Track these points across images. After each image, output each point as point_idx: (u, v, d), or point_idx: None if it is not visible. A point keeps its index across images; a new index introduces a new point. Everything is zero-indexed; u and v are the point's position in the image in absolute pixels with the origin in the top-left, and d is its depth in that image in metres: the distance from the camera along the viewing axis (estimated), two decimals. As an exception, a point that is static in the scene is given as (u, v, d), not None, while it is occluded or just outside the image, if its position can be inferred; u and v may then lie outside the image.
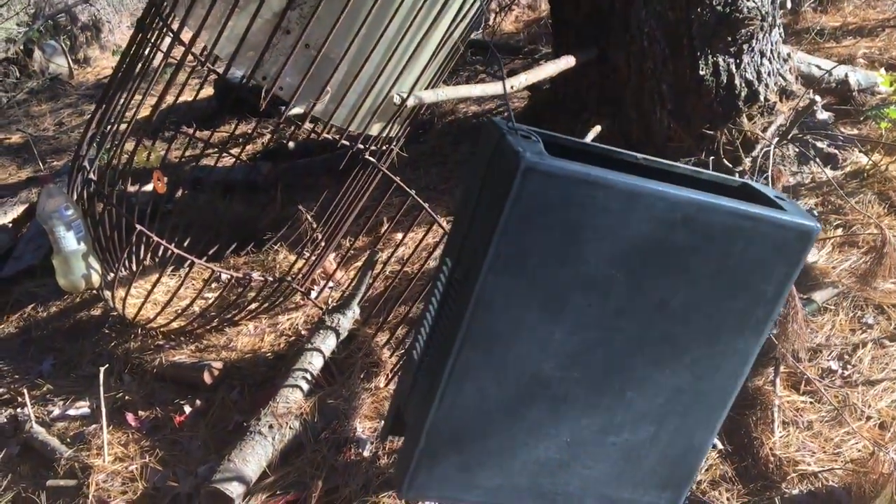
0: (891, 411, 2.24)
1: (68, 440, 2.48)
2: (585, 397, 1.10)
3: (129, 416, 2.53)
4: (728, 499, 2.05)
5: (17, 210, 3.95)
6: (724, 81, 3.21)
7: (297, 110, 3.25)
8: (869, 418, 2.24)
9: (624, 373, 1.09)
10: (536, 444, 1.13)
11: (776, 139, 2.79)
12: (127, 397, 2.62)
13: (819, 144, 3.32)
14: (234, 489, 2.14)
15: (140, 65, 2.54)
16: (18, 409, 2.62)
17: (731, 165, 2.99)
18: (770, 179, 2.44)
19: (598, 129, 3.27)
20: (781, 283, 1.06)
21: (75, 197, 2.71)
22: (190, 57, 2.37)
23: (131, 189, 3.67)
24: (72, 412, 2.61)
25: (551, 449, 1.13)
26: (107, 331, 2.95)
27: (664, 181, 0.99)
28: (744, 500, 2.05)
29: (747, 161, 2.90)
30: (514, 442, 1.12)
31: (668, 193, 0.98)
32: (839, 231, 2.96)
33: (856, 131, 3.63)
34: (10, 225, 3.87)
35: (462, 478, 1.13)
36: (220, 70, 2.41)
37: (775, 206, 1.07)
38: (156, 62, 2.54)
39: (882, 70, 4.09)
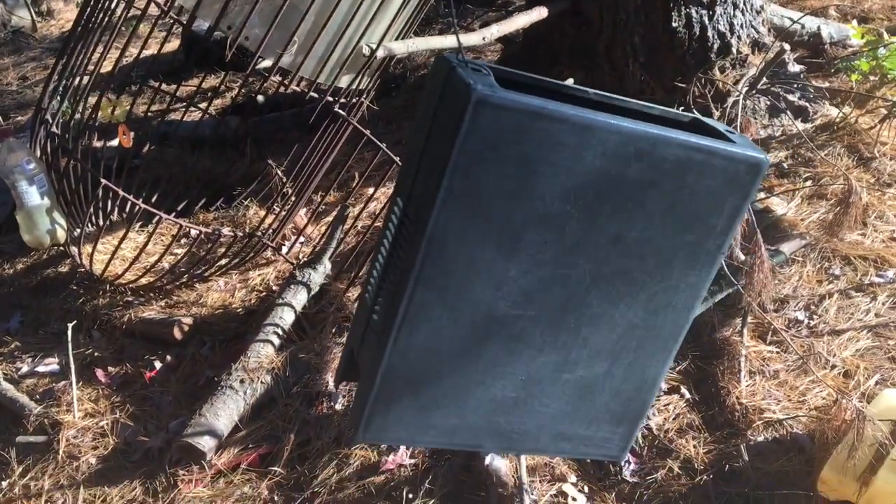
0: (855, 360, 2.28)
1: (37, 397, 2.46)
2: (541, 335, 1.11)
3: (99, 373, 2.52)
4: (694, 446, 2.08)
5: (-19, 166, 3.86)
6: (697, 33, 3.19)
7: (267, 63, 3.19)
8: (834, 367, 2.27)
9: (579, 310, 1.09)
10: (492, 383, 1.13)
11: (745, 90, 2.78)
12: (96, 354, 2.60)
13: (790, 97, 3.33)
14: (206, 443, 2.14)
15: (101, 15, 2.47)
16: (-14, 367, 2.60)
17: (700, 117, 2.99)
18: (739, 129, 2.44)
19: (570, 81, 3.25)
20: (732, 215, 1.07)
21: (38, 151, 2.66)
22: (154, 7, 2.31)
23: (97, 144, 3.60)
24: (41, 369, 2.58)
25: (507, 387, 1.14)
26: (75, 287, 2.91)
27: (616, 116, 0.98)
28: (710, 448, 2.08)
29: (717, 113, 2.90)
30: (470, 381, 1.12)
31: (622, 127, 0.98)
32: (808, 183, 2.98)
33: (827, 84, 3.64)
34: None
35: (418, 419, 1.13)
36: (185, 21, 2.35)
37: (725, 139, 1.07)
38: (118, 12, 2.47)
39: (854, 23, 4.10)
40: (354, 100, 2.76)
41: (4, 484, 2.18)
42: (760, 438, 2.09)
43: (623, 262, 1.07)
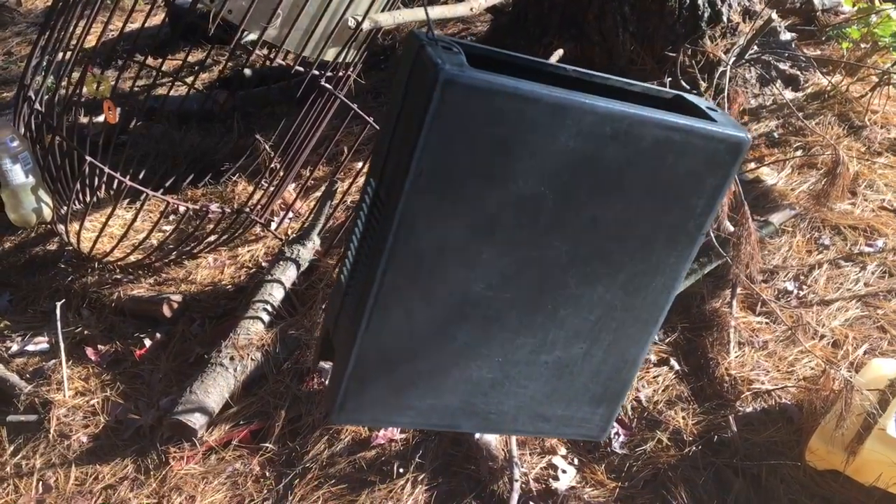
0: (844, 330, 2.29)
1: (27, 376, 2.45)
2: (518, 317, 1.10)
3: (89, 351, 2.51)
4: (683, 418, 2.10)
5: (-34, 144, 3.82)
6: (687, 2, 3.16)
7: (252, 37, 3.16)
8: (822, 337, 2.28)
9: (556, 291, 1.08)
10: (468, 364, 1.12)
11: (733, 60, 2.76)
12: (86, 332, 2.59)
13: (781, 66, 3.31)
14: (197, 420, 2.15)
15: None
16: (-25, 346, 2.59)
17: (688, 87, 2.97)
18: (727, 100, 2.42)
19: (560, 52, 3.22)
20: (713, 196, 1.06)
21: (22, 129, 2.63)
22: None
23: (83, 120, 3.56)
24: (30, 348, 2.57)
25: (483, 369, 1.13)
26: (63, 265, 2.90)
27: (595, 94, 0.97)
28: (699, 419, 2.09)
29: (705, 83, 2.88)
30: (446, 363, 1.12)
31: (596, 106, 0.95)
32: (799, 153, 2.97)
33: (818, 52, 3.62)
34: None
35: (393, 400, 1.13)
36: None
37: (707, 117, 1.05)
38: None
39: (846, -11, 4.06)
40: (341, 73, 2.73)
41: (-4, 463, 2.19)
42: (749, 409, 2.10)
43: (601, 244, 1.05)
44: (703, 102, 1.10)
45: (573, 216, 1.02)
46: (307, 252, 2.65)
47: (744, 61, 2.96)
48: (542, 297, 1.08)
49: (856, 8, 3.60)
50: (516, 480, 1.93)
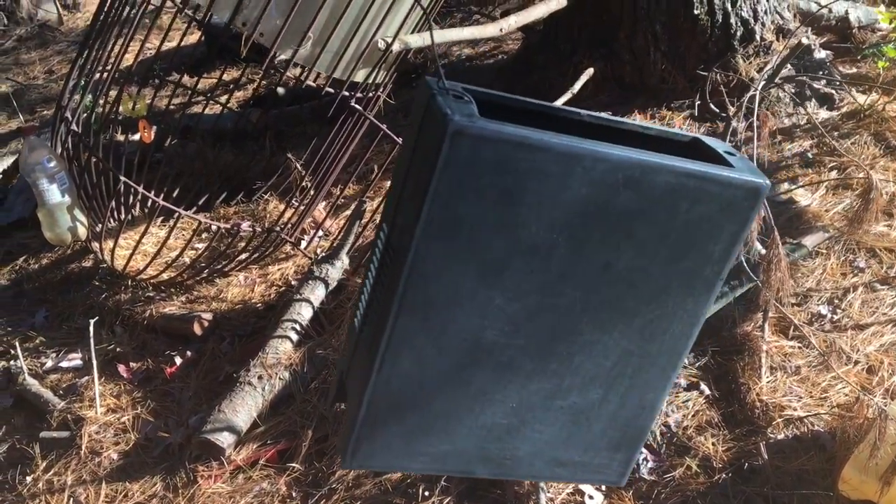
0: (879, 355, 2.24)
1: (61, 392, 2.49)
2: (531, 363, 1.09)
3: (121, 368, 2.55)
4: (713, 444, 2.06)
5: (7, 161, 3.91)
6: (720, 20, 3.14)
7: (286, 56, 3.20)
8: (857, 363, 2.24)
9: (570, 337, 1.07)
10: (482, 410, 1.11)
11: (763, 82, 2.73)
12: (118, 349, 2.63)
13: (816, 84, 3.27)
14: (225, 439, 2.16)
15: (121, 9, 2.48)
16: (11, 362, 2.64)
17: (717, 111, 2.95)
18: (756, 124, 2.40)
19: (590, 71, 3.22)
20: (730, 242, 1.04)
21: (59, 148, 2.68)
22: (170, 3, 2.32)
23: (119, 138, 3.63)
24: (64, 364, 2.62)
25: (498, 414, 1.12)
26: (97, 283, 2.95)
27: (610, 139, 0.95)
28: (729, 446, 2.06)
29: (734, 106, 2.85)
30: (459, 408, 1.10)
31: (607, 154, 0.95)
32: (833, 174, 2.92)
33: (854, 70, 3.57)
34: (1, 176, 3.84)
35: (406, 446, 1.12)
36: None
37: (724, 162, 1.03)
38: (136, 6, 2.48)
39: (882, 6, 4.00)
40: (371, 94, 2.75)
41: (28, 479, 2.22)
42: (781, 436, 2.07)
43: (614, 291, 1.04)
44: (720, 146, 1.09)
45: (585, 264, 1.01)
46: (336, 271, 2.66)
47: (776, 82, 2.93)
48: (556, 343, 1.07)
49: (893, 25, 3.54)
50: (542, 506, 1.92)
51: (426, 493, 2.01)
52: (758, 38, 3.18)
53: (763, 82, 2.75)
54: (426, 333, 1.01)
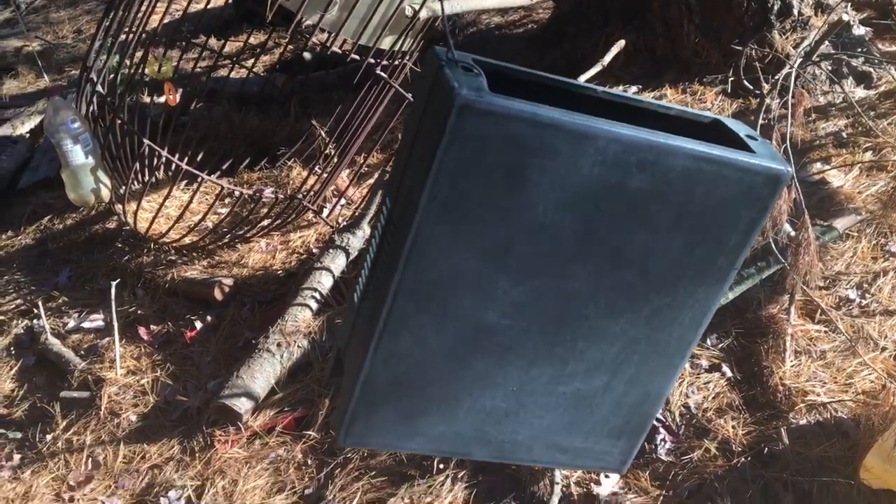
0: (907, 343, 2.19)
1: (82, 352, 2.52)
2: (534, 347, 1.05)
3: (142, 330, 2.56)
4: (733, 427, 2.04)
5: (34, 120, 3.92)
6: (757, -7, 3.05)
7: (312, 21, 3.16)
8: (884, 349, 2.19)
9: (575, 322, 1.03)
10: (482, 392, 1.08)
11: (799, 59, 2.65)
12: (140, 311, 2.64)
13: (853, 62, 3.18)
14: (243, 405, 2.17)
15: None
16: (34, 321, 2.66)
17: (751, 88, 2.87)
18: (790, 102, 2.33)
19: (621, 43, 3.15)
20: (747, 230, 0.99)
21: (84, 109, 2.68)
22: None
23: (145, 100, 3.62)
24: (86, 325, 2.64)
25: (497, 398, 1.09)
26: (120, 244, 2.96)
27: (626, 118, 0.91)
28: (749, 429, 2.03)
29: (768, 84, 2.77)
30: (458, 391, 1.08)
31: (621, 134, 0.90)
32: (868, 155, 2.85)
33: (894, 48, 3.46)
34: (28, 135, 3.85)
35: (403, 426, 1.09)
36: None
37: (745, 146, 0.99)
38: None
39: (927, -18, 3.87)
40: (397, 61, 2.71)
41: (48, 437, 2.25)
42: (803, 421, 2.03)
43: (624, 276, 1.00)
44: (742, 129, 1.03)
45: (594, 247, 0.97)
46: (357, 240, 2.65)
47: (813, 59, 2.84)
48: (561, 327, 1.03)
49: (937, 2, 3.43)
50: (557, 483, 1.91)
51: (441, 466, 2.01)
52: (795, 12, 3.09)
53: (800, 59, 2.67)
54: (426, 315, 0.98)
